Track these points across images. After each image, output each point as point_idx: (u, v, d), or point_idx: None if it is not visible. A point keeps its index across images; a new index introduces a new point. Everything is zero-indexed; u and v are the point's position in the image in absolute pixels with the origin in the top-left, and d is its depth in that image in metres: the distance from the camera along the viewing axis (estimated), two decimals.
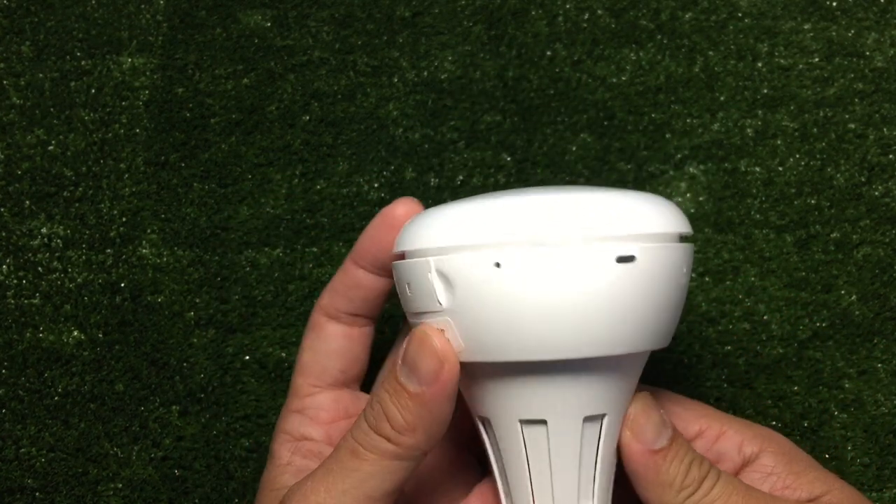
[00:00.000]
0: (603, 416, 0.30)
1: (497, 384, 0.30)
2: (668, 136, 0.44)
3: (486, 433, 0.32)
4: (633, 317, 0.28)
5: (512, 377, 0.30)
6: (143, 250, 0.43)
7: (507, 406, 0.30)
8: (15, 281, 0.43)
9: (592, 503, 0.31)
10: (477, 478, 0.36)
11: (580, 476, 0.30)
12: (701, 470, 0.30)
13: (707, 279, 0.43)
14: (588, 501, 0.31)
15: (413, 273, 0.30)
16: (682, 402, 0.35)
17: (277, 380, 0.42)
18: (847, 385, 0.42)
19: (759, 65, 0.44)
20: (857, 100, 0.44)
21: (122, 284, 0.43)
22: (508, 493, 0.31)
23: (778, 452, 0.34)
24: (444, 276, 0.29)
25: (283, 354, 0.42)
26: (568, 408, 0.30)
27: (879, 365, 0.42)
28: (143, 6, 0.45)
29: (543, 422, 0.30)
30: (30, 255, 0.43)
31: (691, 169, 0.43)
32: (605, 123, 0.44)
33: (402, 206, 0.34)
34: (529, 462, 0.30)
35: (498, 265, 0.27)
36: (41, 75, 0.44)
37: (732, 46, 0.44)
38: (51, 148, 0.44)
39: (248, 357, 0.42)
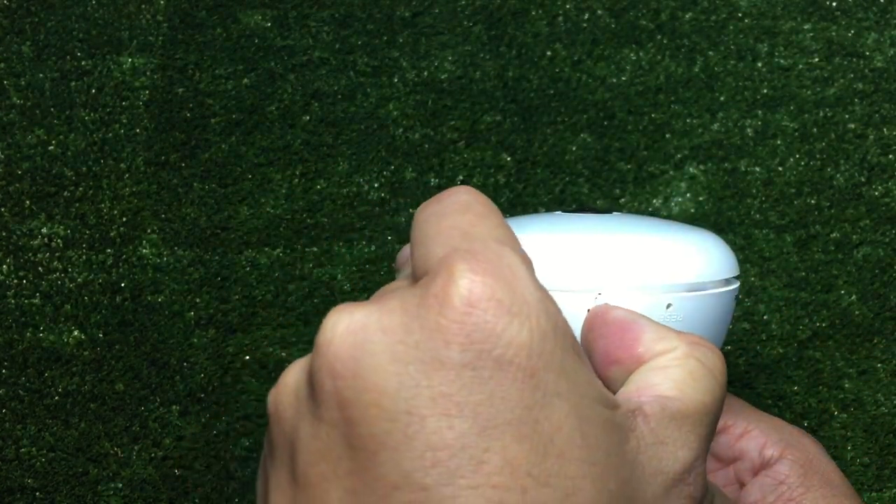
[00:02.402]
0: None
1: None
2: (668, 136, 0.44)
3: None
4: None
5: None
6: (144, 250, 0.43)
7: None
8: (15, 281, 0.43)
9: None
10: None
11: None
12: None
13: None
14: None
15: None
16: None
17: (277, 380, 0.42)
18: (847, 385, 0.42)
19: (759, 65, 0.44)
20: (856, 100, 0.44)
21: (123, 284, 0.43)
22: None
23: (797, 462, 0.33)
24: None
25: (283, 354, 0.42)
26: None
27: (879, 365, 0.42)
28: (143, 6, 0.45)
29: None
30: (30, 254, 0.43)
31: (691, 169, 0.43)
32: (605, 123, 0.44)
33: None
34: None
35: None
36: (41, 75, 0.44)
37: (732, 46, 0.44)
38: (51, 148, 0.44)
39: (248, 357, 0.42)
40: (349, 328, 0.22)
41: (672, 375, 0.24)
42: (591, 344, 0.27)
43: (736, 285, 0.31)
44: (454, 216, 0.24)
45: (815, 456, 0.34)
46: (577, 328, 0.27)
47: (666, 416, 0.23)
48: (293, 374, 0.24)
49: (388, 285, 0.26)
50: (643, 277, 0.29)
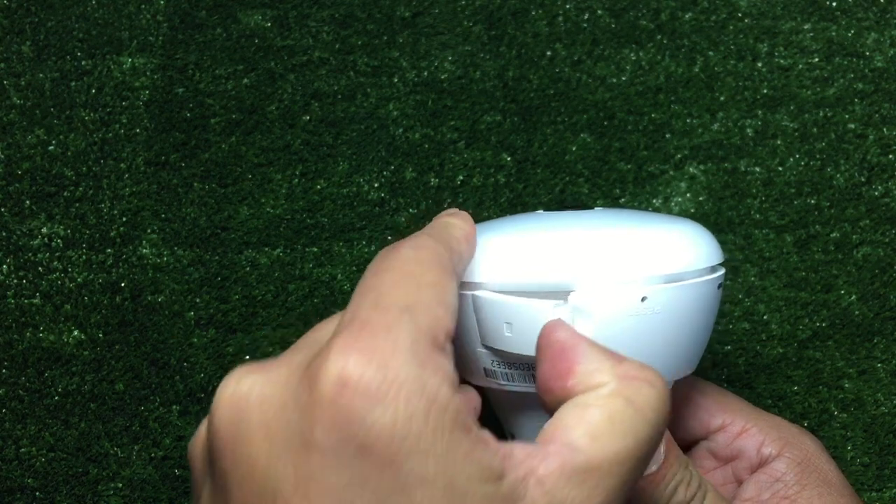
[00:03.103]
0: None
1: (520, 409, 0.31)
2: (668, 136, 0.44)
3: None
4: (660, 354, 0.29)
5: (531, 405, 0.30)
6: (144, 250, 0.43)
7: (532, 429, 0.31)
8: (15, 281, 0.43)
9: None
10: None
11: None
12: (687, 493, 0.29)
13: None
14: None
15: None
16: (712, 392, 0.35)
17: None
18: (847, 385, 0.42)
19: (759, 65, 0.44)
20: (856, 100, 0.44)
21: (123, 284, 0.43)
22: None
23: (794, 460, 0.33)
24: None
25: None
26: None
27: (879, 365, 0.42)
28: (143, 6, 0.45)
29: None
30: (30, 254, 0.43)
31: (691, 169, 0.43)
32: (605, 123, 0.44)
33: None
34: None
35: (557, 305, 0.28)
36: (41, 75, 0.44)
37: (732, 46, 0.44)
38: (51, 148, 0.44)
39: (248, 357, 0.42)
40: (233, 396, 0.22)
41: (589, 419, 0.23)
42: (537, 365, 0.26)
43: (719, 273, 0.31)
44: (384, 274, 0.24)
45: (813, 454, 0.34)
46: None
47: (566, 474, 0.22)
48: (205, 427, 0.24)
49: (318, 327, 0.26)
50: (616, 271, 0.28)
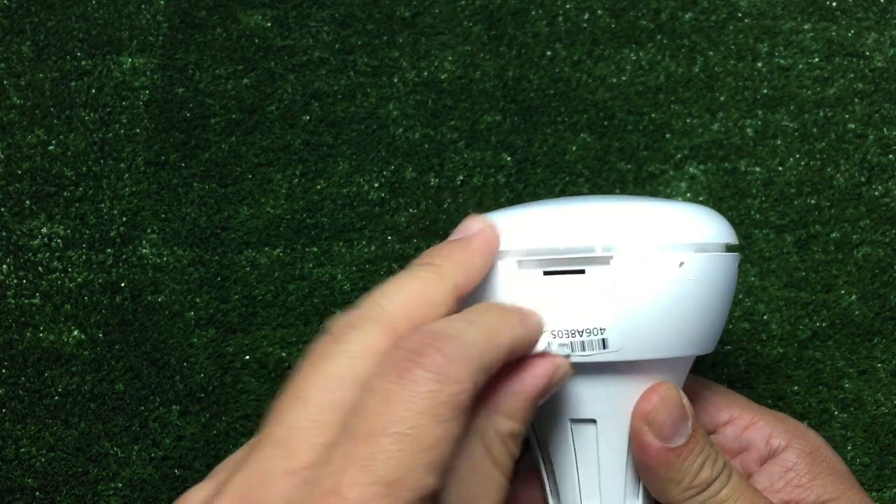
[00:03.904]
0: None
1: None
2: (668, 136, 0.44)
3: (535, 433, 0.32)
4: (691, 322, 0.30)
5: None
6: (144, 250, 0.43)
7: (558, 406, 0.31)
8: (15, 281, 0.43)
9: (638, 502, 0.31)
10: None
11: (626, 475, 0.31)
12: (713, 470, 0.30)
13: None
14: (634, 500, 0.31)
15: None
16: (718, 390, 0.36)
17: (277, 379, 0.42)
18: (847, 385, 0.42)
19: (759, 65, 0.44)
20: (856, 100, 0.44)
21: (123, 284, 0.43)
22: (556, 492, 0.32)
23: (803, 450, 0.34)
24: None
25: (283, 354, 0.42)
26: (617, 407, 0.31)
27: (879, 365, 0.42)
28: (143, 6, 0.45)
29: (593, 421, 0.30)
30: (30, 254, 0.43)
31: (691, 169, 0.43)
32: (605, 123, 0.44)
33: None
34: (577, 461, 0.31)
35: (583, 272, 0.29)
36: (41, 75, 0.44)
37: (732, 46, 0.44)
38: (51, 148, 0.44)
39: (248, 357, 0.42)
40: None
41: None
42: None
43: (737, 254, 0.32)
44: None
45: (820, 445, 0.34)
46: (586, 292, 0.29)
47: None
48: None
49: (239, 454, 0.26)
50: (655, 237, 0.29)
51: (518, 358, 0.28)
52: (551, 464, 0.32)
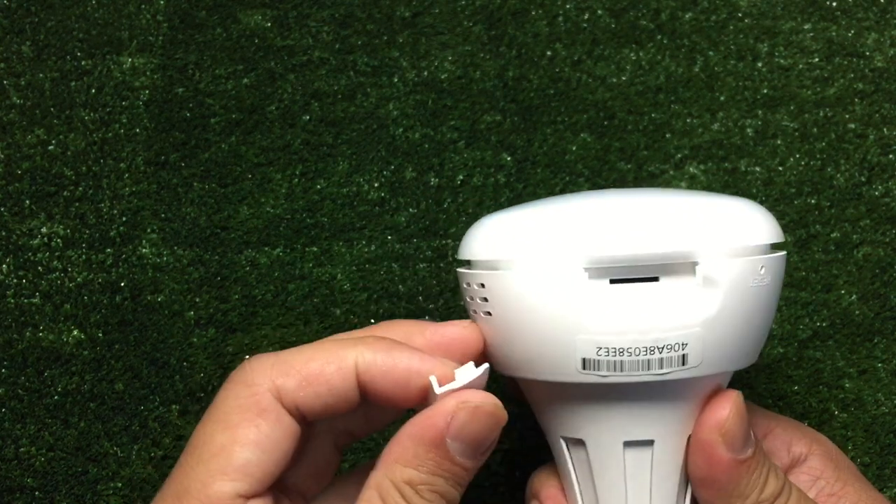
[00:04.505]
0: None
1: (600, 405, 0.28)
2: (668, 135, 0.44)
3: (572, 454, 0.30)
4: (764, 328, 0.28)
5: (619, 399, 0.28)
6: (143, 250, 0.43)
7: (611, 428, 0.28)
8: (15, 280, 0.43)
9: None
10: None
11: (678, 495, 0.29)
12: (777, 484, 0.29)
13: None
14: None
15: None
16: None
17: None
18: (847, 385, 0.42)
19: (759, 65, 0.44)
20: (857, 100, 0.44)
21: (122, 284, 0.43)
22: None
23: (825, 456, 0.33)
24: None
25: None
26: (677, 425, 0.28)
27: (880, 364, 0.42)
28: (143, 6, 0.45)
29: (649, 443, 0.28)
30: (30, 254, 0.43)
31: (691, 169, 0.43)
32: (605, 123, 0.44)
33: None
34: (627, 485, 0.29)
35: (656, 279, 0.27)
36: (41, 75, 0.44)
37: (732, 46, 0.44)
38: (51, 148, 0.44)
39: (247, 356, 0.42)
40: None
41: None
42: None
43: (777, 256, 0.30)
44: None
45: (835, 449, 0.33)
46: (664, 303, 0.26)
47: None
48: None
49: None
50: (736, 238, 0.27)
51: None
52: (593, 489, 0.29)
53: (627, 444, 0.29)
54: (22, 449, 0.42)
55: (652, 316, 0.27)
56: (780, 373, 0.42)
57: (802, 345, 0.42)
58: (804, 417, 0.42)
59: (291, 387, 0.28)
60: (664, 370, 0.27)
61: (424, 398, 0.28)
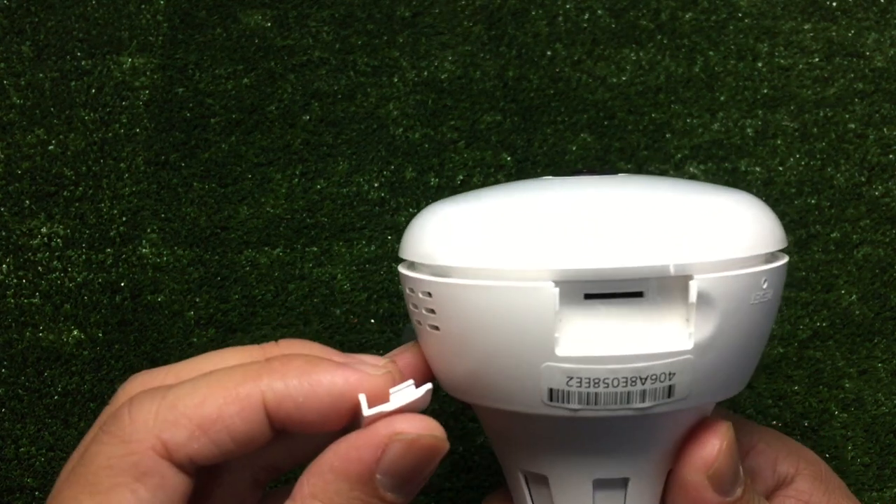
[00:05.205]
0: None
1: (568, 440, 0.24)
2: (668, 135, 0.44)
3: (531, 490, 0.26)
4: (758, 351, 0.25)
5: (591, 435, 0.24)
6: (143, 250, 0.43)
7: (579, 465, 0.25)
8: (15, 280, 0.43)
9: None
10: None
11: None
12: None
13: None
14: None
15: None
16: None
17: None
18: (847, 385, 0.42)
19: (760, 65, 0.44)
20: (857, 100, 0.44)
21: (122, 284, 0.43)
22: None
23: (814, 477, 0.30)
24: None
25: None
26: (654, 461, 0.25)
27: (880, 364, 0.42)
28: (143, 6, 0.45)
29: (623, 481, 0.25)
30: (29, 254, 0.43)
31: (691, 169, 0.43)
32: (606, 123, 0.44)
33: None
34: None
35: (641, 295, 0.22)
36: (41, 75, 0.44)
37: (732, 46, 0.44)
38: (51, 147, 0.44)
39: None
40: None
41: None
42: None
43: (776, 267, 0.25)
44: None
45: (824, 467, 0.31)
46: (649, 325, 0.22)
47: None
48: None
49: None
50: (736, 247, 0.22)
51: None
52: None
53: (598, 483, 0.25)
54: (22, 449, 0.42)
55: (635, 340, 0.22)
56: (781, 373, 0.42)
57: (802, 345, 0.42)
58: (804, 417, 0.41)
59: (181, 439, 0.23)
60: (646, 404, 0.22)
61: (356, 416, 0.24)
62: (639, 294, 0.22)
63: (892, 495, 0.41)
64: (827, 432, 0.41)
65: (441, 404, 0.41)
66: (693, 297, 0.22)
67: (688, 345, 0.22)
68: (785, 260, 0.25)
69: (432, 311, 0.24)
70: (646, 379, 0.22)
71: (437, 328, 0.24)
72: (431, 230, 0.25)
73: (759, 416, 0.41)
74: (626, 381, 0.22)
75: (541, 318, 0.22)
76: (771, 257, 0.24)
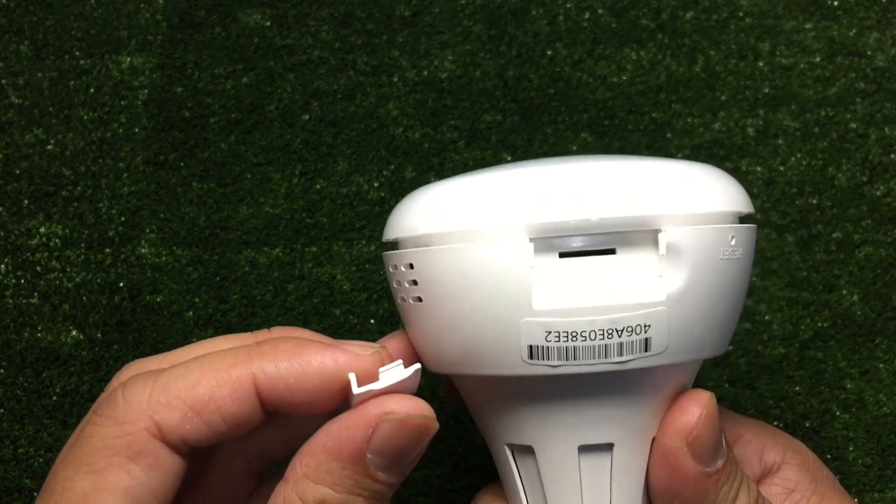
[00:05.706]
0: None
1: (551, 404, 0.25)
2: (668, 135, 0.44)
3: (518, 463, 0.27)
4: (735, 310, 0.26)
5: (573, 395, 0.25)
6: (142, 250, 0.43)
7: (564, 430, 0.25)
8: (13, 280, 0.42)
9: None
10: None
11: (641, 502, 0.26)
12: (749, 498, 0.26)
13: None
14: None
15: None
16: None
17: None
18: (849, 385, 0.42)
19: (761, 64, 0.44)
20: (858, 99, 0.44)
21: (121, 284, 0.42)
22: None
23: (801, 466, 0.30)
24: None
25: None
26: (639, 426, 0.25)
27: (881, 365, 0.42)
28: (142, 5, 0.45)
29: (608, 447, 0.25)
30: (28, 254, 0.43)
31: None
32: (606, 123, 0.44)
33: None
34: (584, 495, 0.25)
35: (613, 251, 0.23)
36: (40, 75, 0.44)
37: (733, 46, 0.44)
38: (49, 147, 0.44)
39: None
40: None
41: None
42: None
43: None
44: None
45: (812, 457, 0.31)
46: (622, 280, 0.23)
47: None
48: None
49: None
50: (704, 205, 0.24)
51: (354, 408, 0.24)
52: (544, 499, 0.26)
53: (583, 448, 0.25)
54: (20, 450, 0.41)
55: (609, 293, 0.23)
56: (782, 373, 0.42)
57: (804, 345, 0.42)
58: (806, 418, 0.41)
59: (175, 420, 0.24)
60: (624, 357, 0.23)
61: (347, 398, 0.25)
62: (611, 251, 0.23)
63: (894, 496, 0.41)
64: (828, 433, 0.41)
65: (441, 404, 0.41)
66: (663, 248, 0.23)
67: (660, 296, 0.23)
68: (753, 225, 0.26)
69: (414, 283, 0.25)
70: (622, 331, 0.23)
71: (419, 299, 0.25)
72: (410, 205, 0.26)
73: (760, 416, 0.41)
74: (603, 334, 0.23)
75: (518, 274, 0.23)
76: (738, 218, 0.26)
